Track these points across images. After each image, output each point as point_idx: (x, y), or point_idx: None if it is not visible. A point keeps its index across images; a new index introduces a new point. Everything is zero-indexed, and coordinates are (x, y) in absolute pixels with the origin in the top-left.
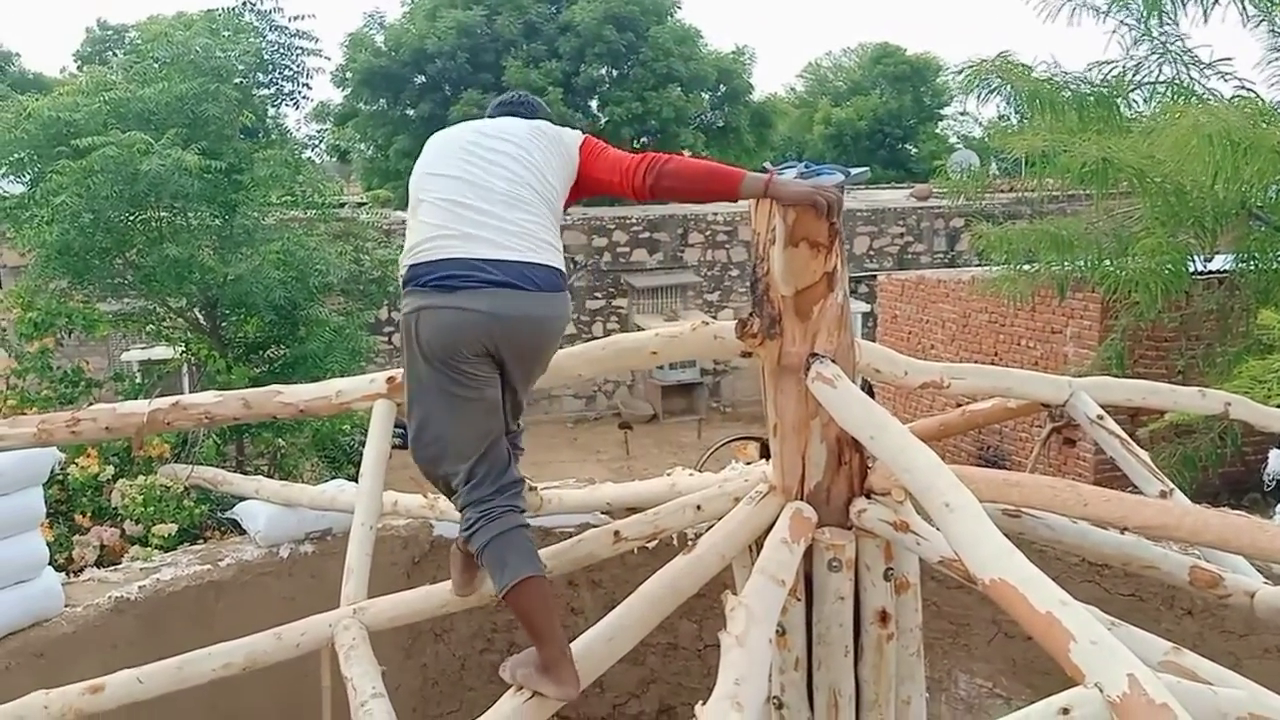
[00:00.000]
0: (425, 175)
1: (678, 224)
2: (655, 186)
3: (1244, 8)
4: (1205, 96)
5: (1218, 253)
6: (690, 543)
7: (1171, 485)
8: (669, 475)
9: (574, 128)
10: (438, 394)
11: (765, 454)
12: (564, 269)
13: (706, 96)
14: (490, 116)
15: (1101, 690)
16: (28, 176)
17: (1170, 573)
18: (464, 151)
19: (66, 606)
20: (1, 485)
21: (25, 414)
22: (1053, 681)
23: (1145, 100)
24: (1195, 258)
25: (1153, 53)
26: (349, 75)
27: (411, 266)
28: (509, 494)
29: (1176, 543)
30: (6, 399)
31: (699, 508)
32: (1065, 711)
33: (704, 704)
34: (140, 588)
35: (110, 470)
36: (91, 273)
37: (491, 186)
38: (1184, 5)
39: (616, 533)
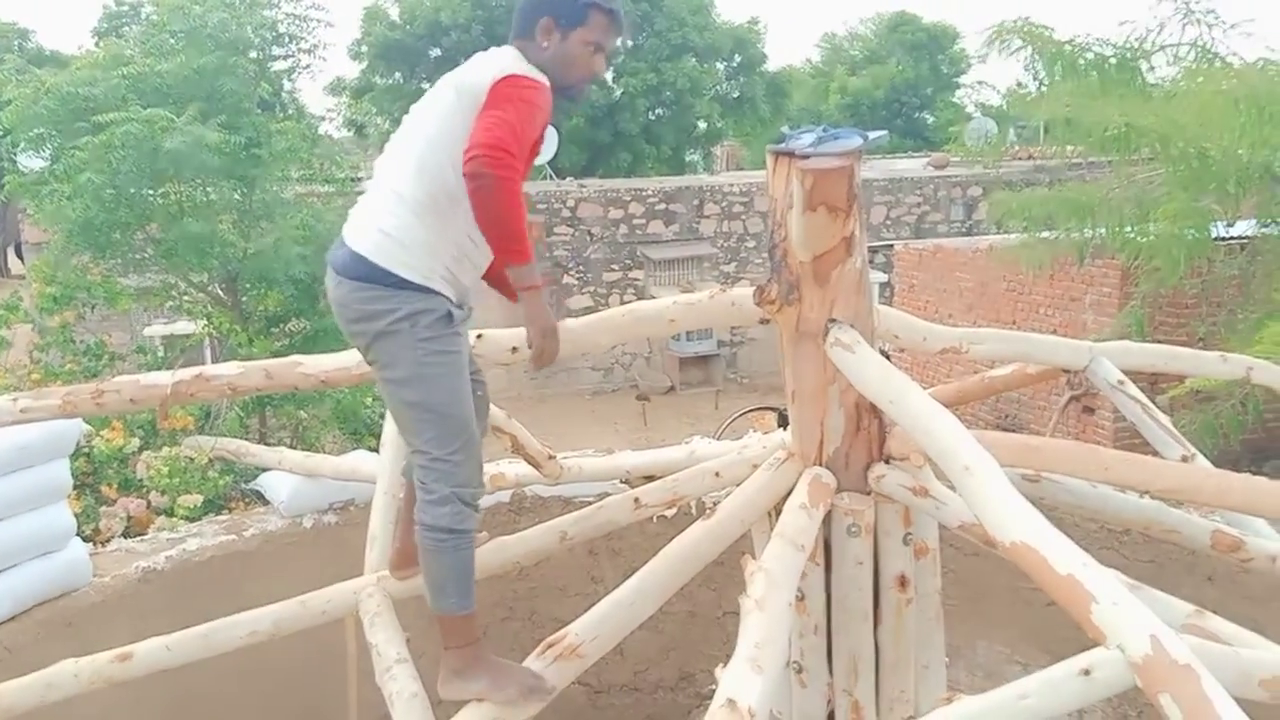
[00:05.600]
0: None
1: (693, 195)
2: (474, 181)
3: None
4: (1228, 59)
5: (1240, 218)
6: (709, 509)
7: (1193, 450)
8: (688, 443)
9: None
10: None
11: (783, 424)
12: (374, 257)
13: (721, 67)
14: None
15: (1124, 651)
16: (47, 152)
17: (1192, 537)
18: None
19: (94, 577)
20: (28, 457)
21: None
22: (1072, 648)
23: (1169, 63)
24: (1217, 223)
25: (1175, 13)
26: (364, 49)
27: None
28: None
29: (1199, 507)
30: (31, 373)
31: (718, 474)
32: (1086, 672)
33: (724, 667)
34: (167, 558)
35: (135, 443)
36: (113, 248)
37: (381, 164)
38: None
39: (636, 499)
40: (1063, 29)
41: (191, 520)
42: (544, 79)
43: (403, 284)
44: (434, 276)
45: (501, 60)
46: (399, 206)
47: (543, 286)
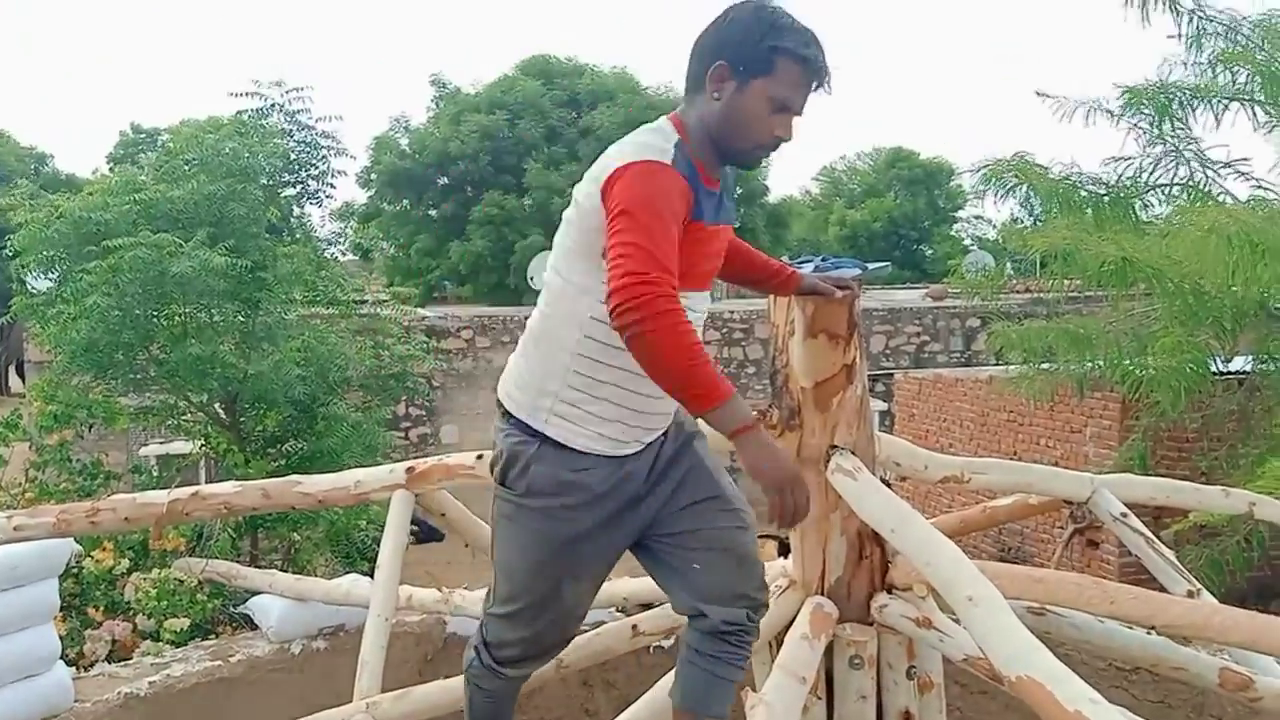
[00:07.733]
0: None
1: None
2: (623, 333)
3: (1254, 113)
4: (1221, 197)
5: (1237, 353)
6: None
7: (1199, 585)
8: None
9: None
10: None
11: (784, 552)
12: (519, 401)
13: None
14: None
15: None
16: (56, 274)
17: (1200, 674)
18: None
19: (75, 702)
20: (18, 577)
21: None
22: None
23: (1161, 202)
24: (1215, 358)
25: (1166, 154)
26: (373, 176)
27: None
28: None
29: (1205, 643)
30: (25, 491)
31: None
32: None
33: None
34: (150, 684)
35: (125, 563)
36: (115, 368)
37: None
38: (1194, 110)
39: (634, 627)
40: (1051, 163)
41: (178, 644)
42: (655, 157)
43: (508, 417)
44: (539, 416)
45: (607, 160)
46: (524, 336)
47: (755, 426)
